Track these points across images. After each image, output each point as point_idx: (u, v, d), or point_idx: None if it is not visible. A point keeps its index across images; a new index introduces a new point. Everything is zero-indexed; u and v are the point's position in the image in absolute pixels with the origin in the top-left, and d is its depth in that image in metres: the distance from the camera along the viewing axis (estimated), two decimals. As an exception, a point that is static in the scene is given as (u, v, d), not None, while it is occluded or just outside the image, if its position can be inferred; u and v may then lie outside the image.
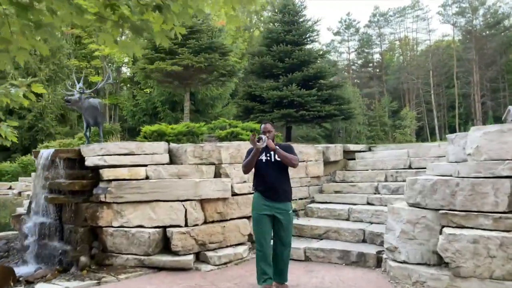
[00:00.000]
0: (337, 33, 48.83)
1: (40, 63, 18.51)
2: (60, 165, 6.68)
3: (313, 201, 7.67)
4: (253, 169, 4.55)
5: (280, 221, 4.38)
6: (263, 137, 4.34)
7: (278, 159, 4.42)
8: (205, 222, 6.08)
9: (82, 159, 6.48)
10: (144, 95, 14.15)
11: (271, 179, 4.41)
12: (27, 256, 6.68)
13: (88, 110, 7.75)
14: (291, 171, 7.62)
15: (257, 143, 4.27)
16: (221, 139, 7.34)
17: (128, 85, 23.76)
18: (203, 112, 12.46)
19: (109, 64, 23.45)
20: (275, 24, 11.08)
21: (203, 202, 6.07)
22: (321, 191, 7.96)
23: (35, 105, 17.56)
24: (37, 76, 18.31)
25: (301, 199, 7.55)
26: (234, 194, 6.34)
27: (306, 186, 7.78)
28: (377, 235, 5.91)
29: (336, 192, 7.71)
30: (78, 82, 9.16)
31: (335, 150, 8.51)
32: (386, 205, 6.72)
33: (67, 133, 17.45)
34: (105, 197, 6.00)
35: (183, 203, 5.88)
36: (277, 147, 4.44)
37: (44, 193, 6.76)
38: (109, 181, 6.08)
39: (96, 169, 6.30)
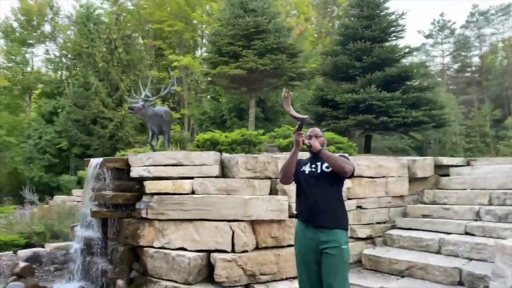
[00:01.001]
0: (429, 36, 45.16)
1: (122, 74, 19.13)
2: (107, 176, 6.20)
3: (394, 227, 6.30)
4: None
5: (325, 259, 3.18)
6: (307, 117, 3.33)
7: (327, 170, 3.30)
8: (257, 248, 5.11)
9: (130, 169, 5.92)
10: (211, 103, 13.71)
11: (313, 195, 3.30)
12: (74, 271, 6.29)
13: (152, 118, 7.35)
14: (367, 189, 6.44)
15: (293, 111, 3.27)
16: (282, 149, 6.35)
17: (208, 96, 23.80)
18: (273, 121, 11.59)
19: (190, 75, 23.75)
20: (352, 19, 9.81)
21: (254, 223, 5.12)
22: (404, 214, 6.55)
23: (116, 115, 18.10)
24: (119, 87, 18.94)
25: (378, 223, 6.24)
26: (292, 216, 5.28)
27: (385, 207, 6.45)
28: (479, 278, 4.46)
29: (424, 216, 6.26)
30: (144, 90, 8.92)
31: (424, 164, 7.04)
32: (491, 237, 5.20)
33: (145, 142, 17.70)
34: (147, 213, 5.33)
35: (230, 223, 4.98)
36: (324, 149, 3.34)
37: (92, 205, 6.34)
38: (152, 194, 5.41)
39: (142, 180, 5.68)
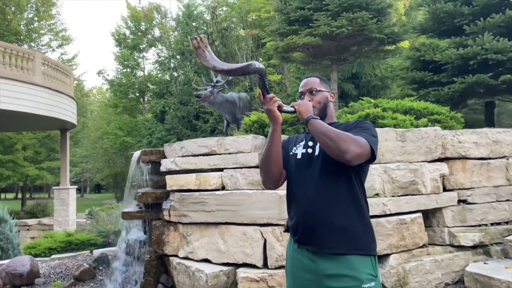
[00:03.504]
0: None
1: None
2: (145, 170, 5.43)
3: (520, 229, 4.27)
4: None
5: None
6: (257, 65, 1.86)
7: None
8: (301, 262, 3.73)
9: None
10: (294, 84, 12.31)
11: (307, 195, 1.91)
12: (117, 276, 5.70)
13: (223, 105, 6.55)
14: (475, 175, 4.37)
15: (222, 64, 1.91)
16: (350, 127, 4.79)
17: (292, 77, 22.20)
18: (371, 98, 9.67)
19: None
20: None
21: (296, 228, 3.75)
22: (539, 211, 4.44)
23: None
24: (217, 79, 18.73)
25: (495, 224, 4.30)
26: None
27: (507, 201, 4.44)
28: None
29: None
30: (216, 76, 8.21)
31: None
32: None
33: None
34: (169, 215, 4.36)
35: (262, 229, 3.70)
36: (316, 117, 1.88)
37: (132, 203, 5.65)
38: (174, 192, 4.44)
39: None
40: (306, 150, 1.98)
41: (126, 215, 5.02)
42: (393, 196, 3.92)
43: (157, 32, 25.66)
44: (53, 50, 21.68)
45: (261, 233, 3.68)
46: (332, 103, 2.15)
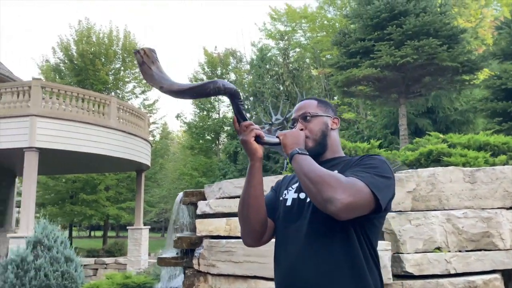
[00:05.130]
0: None
1: (291, 107, 18.71)
2: (186, 213, 5.17)
3: None
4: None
5: None
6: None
7: None
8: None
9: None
10: (368, 121, 11.45)
11: (291, 256, 1.47)
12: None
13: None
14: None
15: (173, 84, 1.46)
16: (410, 164, 4.12)
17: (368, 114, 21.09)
18: (450, 133, 8.50)
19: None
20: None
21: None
22: None
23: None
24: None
25: None
26: (404, 275, 3.07)
27: None
28: None
29: None
30: (275, 114, 8.07)
31: None
32: None
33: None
34: (198, 263, 3.97)
35: (292, 287, 3.12)
36: (304, 152, 1.40)
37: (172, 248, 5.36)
38: (204, 238, 4.07)
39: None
40: (298, 195, 1.51)
41: (161, 261, 4.73)
42: (459, 251, 3.15)
43: (232, 76, 26.52)
44: (136, 96, 23.24)
45: (291, 292, 3.10)
46: (335, 131, 1.64)
